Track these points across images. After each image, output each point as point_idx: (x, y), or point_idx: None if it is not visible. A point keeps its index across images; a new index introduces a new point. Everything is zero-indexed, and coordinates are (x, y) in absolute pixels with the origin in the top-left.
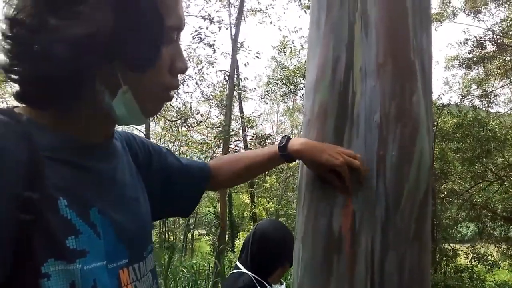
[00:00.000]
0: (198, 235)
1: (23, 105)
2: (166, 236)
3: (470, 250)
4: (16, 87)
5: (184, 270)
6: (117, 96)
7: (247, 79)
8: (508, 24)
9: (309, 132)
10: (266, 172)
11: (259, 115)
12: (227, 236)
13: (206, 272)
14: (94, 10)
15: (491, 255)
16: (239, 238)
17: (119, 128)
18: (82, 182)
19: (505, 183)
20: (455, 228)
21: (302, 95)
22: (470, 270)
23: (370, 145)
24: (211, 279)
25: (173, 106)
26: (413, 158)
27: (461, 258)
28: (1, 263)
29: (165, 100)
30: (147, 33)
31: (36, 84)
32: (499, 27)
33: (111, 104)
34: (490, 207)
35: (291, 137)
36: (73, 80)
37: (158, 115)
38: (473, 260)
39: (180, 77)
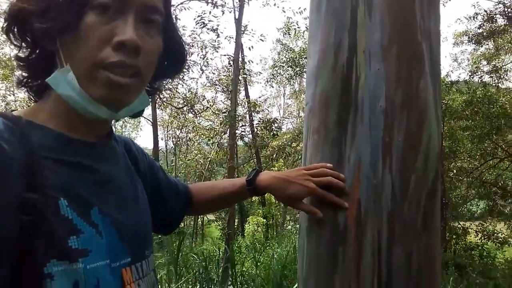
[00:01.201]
0: (208, 221)
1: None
2: None
3: (480, 228)
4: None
5: (195, 256)
6: (59, 74)
7: (252, 62)
8: None
9: (311, 120)
10: (273, 156)
11: (265, 100)
12: (236, 221)
13: (216, 257)
14: None
15: (501, 232)
16: (249, 223)
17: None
18: (81, 181)
19: None
20: (465, 206)
21: None
22: (480, 248)
23: (375, 132)
24: (221, 265)
25: (179, 93)
26: (420, 145)
27: (471, 236)
28: (3, 264)
29: (106, 82)
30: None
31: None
32: None
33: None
34: (500, 185)
35: (261, 170)
36: (44, 59)
37: (164, 103)
38: (483, 238)
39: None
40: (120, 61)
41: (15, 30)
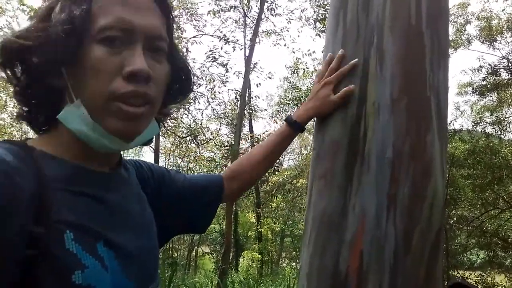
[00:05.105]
0: (202, 253)
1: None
2: (170, 252)
3: (480, 278)
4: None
5: None
6: (70, 109)
7: (258, 97)
8: None
9: (317, 166)
10: (273, 192)
11: (269, 134)
12: (231, 254)
13: None
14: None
15: (502, 285)
16: (244, 258)
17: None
18: (91, 213)
19: None
20: (464, 254)
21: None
22: None
23: (381, 183)
24: None
25: (183, 123)
26: (425, 198)
27: None
28: None
29: (120, 113)
30: (58, 33)
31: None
32: None
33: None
34: (501, 235)
35: (291, 114)
36: (49, 94)
37: (168, 131)
38: None
39: (192, 94)
40: (133, 91)
41: (11, 66)
